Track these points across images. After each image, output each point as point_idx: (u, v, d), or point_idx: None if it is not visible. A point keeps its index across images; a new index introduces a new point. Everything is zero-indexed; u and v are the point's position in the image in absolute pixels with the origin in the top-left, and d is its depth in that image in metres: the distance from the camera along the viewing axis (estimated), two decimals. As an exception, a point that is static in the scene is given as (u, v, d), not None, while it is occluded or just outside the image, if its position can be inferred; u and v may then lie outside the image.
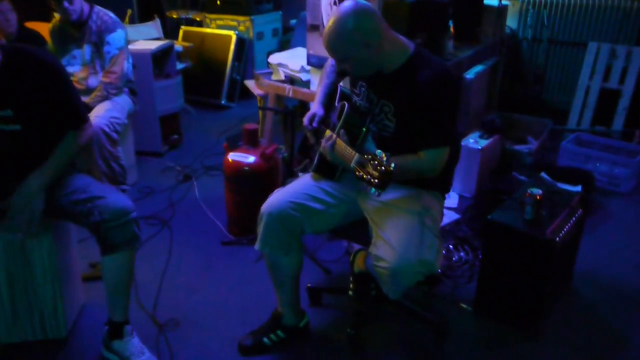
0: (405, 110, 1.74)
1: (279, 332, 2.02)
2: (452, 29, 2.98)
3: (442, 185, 1.93)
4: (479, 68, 3.42)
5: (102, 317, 1.99)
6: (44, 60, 1.81)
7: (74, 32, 2.93)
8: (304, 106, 3.28)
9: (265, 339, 2.01)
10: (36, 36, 3.28)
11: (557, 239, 1.96)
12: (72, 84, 1.97)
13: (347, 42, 1.65)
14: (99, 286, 1.95)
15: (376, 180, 1.46)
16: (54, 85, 1.83)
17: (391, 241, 1.65)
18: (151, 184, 3.32)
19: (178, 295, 2.33)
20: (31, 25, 3.42)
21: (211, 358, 1.99)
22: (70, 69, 2.94)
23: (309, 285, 2.26)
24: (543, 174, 2.76)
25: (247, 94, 4.25)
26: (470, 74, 3.28)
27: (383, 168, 1.45)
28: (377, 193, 1.49)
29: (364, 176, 1.49)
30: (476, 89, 3.42)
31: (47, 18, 3.21)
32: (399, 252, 1.62)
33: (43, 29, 3.22)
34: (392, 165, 1.45)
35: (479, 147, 3.09)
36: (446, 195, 1.99)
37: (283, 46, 4.92)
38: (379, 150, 1.51)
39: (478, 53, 3.33)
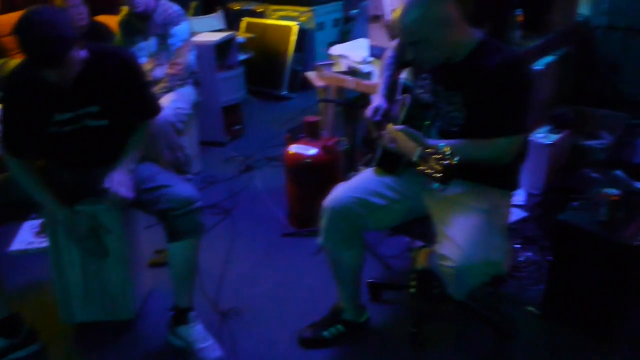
0: (476, 98, 1.67)
1: (339, 326, 2.02)
2: (520, 17, 2.85)
3: (510, 182, 1.85)
4: (548, 59, 3.26)
5: (167, 303, 2.06)
6: (122, 57, 1.92)
7: (140, 25, 3.02)
8: (364, 98, 3.24)
9: (325, 332, 2.01)
10: (105, 29, 3.39)
11: (637, 242, 1.84)
12: (146, 77, 2.06)
13: (426, 21, 1.61)
14: (165, 272, 2.01)
15: (439, 175, 1.41)
16: (133, 80, 1.94)
17: (457, 240, 1.60)
18: (214, 174, 3.39)
19: (239, 284, 2.37)
20: (100, 18, 3.55)
21: (272, 348, 2.02)
22: (136, 61, 3.04)
23: (369, 280, 2.23)
24: (618, 172, 2.60)
25: (307, 84, 4.25)
26: (539, 65, 3.13)
27: (447, 162, 1.40)
28: (440, 188, 1.45)
29: (427, 170, 1.45)
30: (545, 80, 3.26)
31: (115, 12, 3.32)
32: (465, 251, 1.56)
33: (111, 22, 3.33)
34: (456, 159, 1.40)
35: (548, 142, 2.95)
36: (513, 193, 1.91)
37: (344, 36, 4.88)
38: (442, 143, 1.46)
39: (548, 43, 3.17)
